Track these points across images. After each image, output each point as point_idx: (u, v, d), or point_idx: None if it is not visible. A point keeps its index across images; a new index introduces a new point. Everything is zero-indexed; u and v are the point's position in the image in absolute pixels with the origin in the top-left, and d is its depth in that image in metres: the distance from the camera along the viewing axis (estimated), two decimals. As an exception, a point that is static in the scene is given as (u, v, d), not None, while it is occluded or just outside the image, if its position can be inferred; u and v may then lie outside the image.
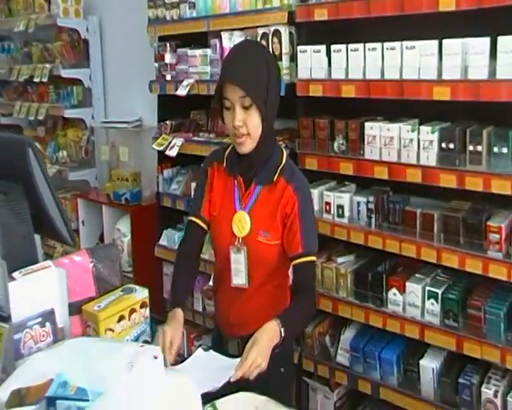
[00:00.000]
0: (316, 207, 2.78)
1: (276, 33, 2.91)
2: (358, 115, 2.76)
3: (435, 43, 2.35)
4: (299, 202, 1.98)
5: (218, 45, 3.25)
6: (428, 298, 2.51)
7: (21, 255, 1.65)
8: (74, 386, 1.25)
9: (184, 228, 2.26)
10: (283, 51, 2.90)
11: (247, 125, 1.92)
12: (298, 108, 2.91)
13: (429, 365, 2.55)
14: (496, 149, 2.26)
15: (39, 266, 1.58)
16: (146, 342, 1.73)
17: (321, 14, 2.70)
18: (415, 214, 2.54)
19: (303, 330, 2.85)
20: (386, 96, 2.51)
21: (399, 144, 2.51)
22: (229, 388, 1.64)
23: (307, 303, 2.03)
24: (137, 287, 1.79)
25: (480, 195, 2.34)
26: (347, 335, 2.87)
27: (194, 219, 2.16)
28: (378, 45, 2.51)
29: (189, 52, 3.47)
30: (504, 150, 2.24)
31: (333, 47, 2.67)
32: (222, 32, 3.19)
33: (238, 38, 3.10)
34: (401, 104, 2.55)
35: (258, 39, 2.96)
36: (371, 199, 2.69)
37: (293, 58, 2.89)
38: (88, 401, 1.22)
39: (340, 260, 2.87)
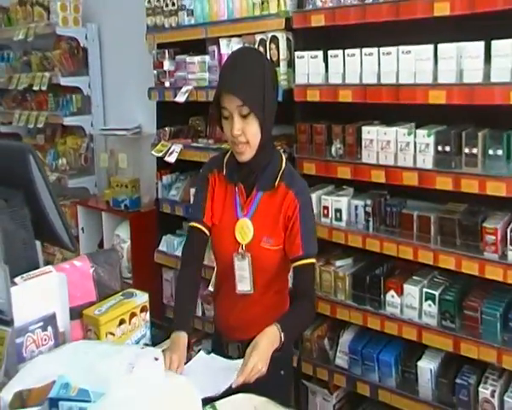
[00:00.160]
0: (314, 211, 2.81)
1: (274, 40, 2.93)
2: (355, 120, 2.79)
3: (430, 47, 2.37)
4: (299, 206, 2.00)
5: (216, 52, 3.27)
6: (426, 300, 2.53)
7: (23, 261, 1.66)
8: (76, 387, 1.27)
9: (186, 235, 2.21)
10: (281, 57, 2.92)
11: (245, 133, 1.93)
12: (295, 114, 2.92)
13: (427, 366, 2.56)
14: (491, 152, 2.28)
15: (40, 271, 1.60)
16: (146, 345, 1.75)
17: (318, 21, 2.73)
18: (411, 217, 2.56)
19: (302, 333, 2.87)
20: (383, 101, 2.53)
21: (396, 148, 2.53)
22: (229, 389, 1.67)
23: (307, 307, 2.04)
24: (137, 291, 1.80)
25: (476, 197, 2.35)
26: (346, 337, 2.88)
27: (196, 224, 2.11)
28: (374, 50, 2.53)
29: (188, 59, 3.49)
30: (499, 152, 2.26)
31: (330, 52, 2.69)
32: (220, 39, 3.22)
33: (236, 44, 3.12)
34: (397, 108, 2.56)
35: (256, 46, 2.98)
36: (369, 202, 2.71)
37: (291, 64, 2.91)
38: (90, 401, 1.24)
39: (338, 263, 2.89)
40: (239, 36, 3.14)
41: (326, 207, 2.82)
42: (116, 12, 4.60)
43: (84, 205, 4.60)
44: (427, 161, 2.43)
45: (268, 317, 1.95)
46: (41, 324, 1.53)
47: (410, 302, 2.57)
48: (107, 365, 1.33)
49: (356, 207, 2.74)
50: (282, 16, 2.89)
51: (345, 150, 2.73)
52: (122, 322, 1.69)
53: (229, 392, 1.64)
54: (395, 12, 2.45)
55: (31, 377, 1.32)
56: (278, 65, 2.92)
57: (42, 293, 1.55)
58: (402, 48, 2.44)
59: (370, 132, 2.61)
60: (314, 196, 2.83)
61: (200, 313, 3.63)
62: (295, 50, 2.86)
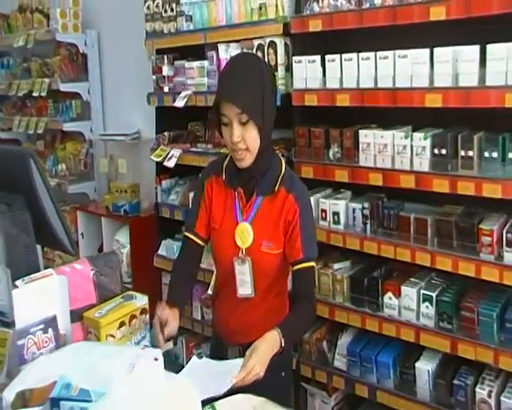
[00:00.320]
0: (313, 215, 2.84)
1: (272, 45, 2.96)
2: (353, 123, 2.81)
3: (427, 51, 2.39)
4: (299, 210, 2.01)
5: (214, 57, 3.30)
6: (423, 301, 2.54)
7: (24, 264, 1.67)
8: (77, 387, 1.28)
9: (181, 242, 2.28)
10: (279, 62, 2.94)
11: (245, 140, 1.94)
12: (293, 118, 2.95)
13: (425, 367, 2.58)
14: (486, 154, 2.30)
15: (41, 274, 1.61)
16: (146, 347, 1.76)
17: (315, 26, 2.75)
18: (409, 219, 2.57)
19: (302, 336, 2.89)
20: (380, 104, 2.55)
21: (393, 151, 2.55)
22: (229, 389, 1.68)
23: (307, 310, 2.06)
24: (137, 294, 1.82)
25: (472, 199, 2.37)
26: (344, 340, 2.89)
27: (189, 235, 2.18)
28: (371, 55, 2.55)
29: (187, 64, 3.51)
30: (495, 155, 2.28)
31: (327, 57, 2.72)
32: (218, 44, 3.24)
33: (234, 49, 3.15)
34: (394, 112, 2.59)
35: (254, 51, 3.01)
36: (366, 205, 2.72)
37: (289, 68, 2.94)
38: (91, 401, 1.25)
39: (336, 266, 2.90)
40: (237, 41, 3.17)
41: (324, 211, 2.84)
42: (115, 18, 4.63)
43: (84, 210, 4.61)
44: (423, 163, 2.45)
45: (268, 320, 1.97)
46: (42, 326, 1.54)
47: (408, 304, 2.59)
48: (107, 365, 1.34)
49: (353, 210, 2.76)
50: (280, 21, 2.91)
51: (342, 154, 2.75)
52: (122, 324, 1.71)
53: (229, 392, 1.66)
54: (392, 17, 2.47)
55: (32, 378, 1.33)
56: (276, 70, 2.94)
57: (43, 296, 1.56)
58: (398, 52, 2.46)
59: (368, 136, 2.63)
60: (312, 200, 2.83)
61: (199, 317, 3.64)
62: (293, 55, 2.88)
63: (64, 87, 4.74)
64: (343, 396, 3.04)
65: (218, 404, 1.58)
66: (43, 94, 4.83)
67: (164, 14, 3.62)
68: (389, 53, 2.49)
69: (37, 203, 1.72)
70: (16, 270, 1.54)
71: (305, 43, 2.89)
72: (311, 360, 2.99)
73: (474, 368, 2.51)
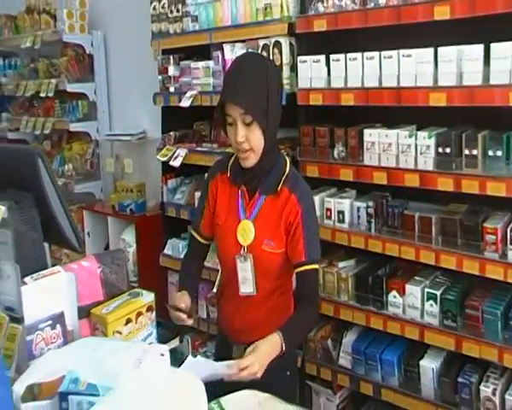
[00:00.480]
0: (317, 214, 2.84)
1: (277, 44, 2.97)
2: (357, 123, 2.82)
3: (431, 50, 2.40)
4: (302, 211, 2.01)
5: (220, 57, 3.31)
6: (427, 299, 2.55)
7: (32, 261, 1.69)
8: (85, 382, 1.29)
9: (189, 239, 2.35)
10: (284, 62, 2.95)
11: (249, 140, 1.95)
12: (298, 117, 2.96)
13: (429, 365, 2.58)
14: (491, 153, 2.31)
15: (49, 271, 1.62)
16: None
17: (320, 25, 2.76)
18: (413, 218, 2.58)
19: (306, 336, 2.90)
20: (384, 104, 2.57)
21: (397, 150, 2.56)
22: (234, 386, 1.70)
23: (310, 313, 2.07)
24: (144, 291, 1.82)
25: (477, 197, 2.38)
26: (349, 338, 2.91)
27: (194, 233, 2.27)
28: (376, 54, 2.56)
29: (192, 64, 3.53)
30: (499, 153, 2.29)
31: (332, 57, 2.73)
32: (224, 45, 3.26)
33: (240, 49, 3.16)
34: (399, 111, 2.61)
35: (260, 50, 3.02)
36: (371, 204, 2.73)
37: (294, 68, 2.95)
38: (98, 395, 1.26)
39: (341, 264, 2.92)
40: (243, 41, 3.18)
41: (329, 209, 2.85)
42: (121, 19, 4.66)
43: (91, 210, 4.64)
44: (428, 162, 2.46)
45: (272, 319, 1.98)
46: (50, 322, 1.55)
47: (413, 302, 2.60)
48: (115, 360, 1.36)
49: (358, 208, 2.77)
50: (285, 21, 2.92)
51: (347, 153, 2.76)
52: (129, 321, 1.71)
53: (234, 388, 1.68)
54: (396, 16, 2.48)
55: (41, 372, 1.34)
56: (281, 69, 2.94)
57: (51, 292, 1.57)
58: (403, 51, 2.48)
59: (372, 135, 2.64)
60: (317, 199, 2.86)
61: (204, 315, 3.66)
62: (298, 55, 2.90)
63: (71, 88, 4.78)
64: (348, 394, 3.05)
65: (223, 400, 1.59)
66: (50, 94, 4.87)
67: (170, 15, 3.64)
68: (393, 52, 2.51)
69: (44, 201, 1.73)
70: (25, 267, 1.55)
71: (310, 42, 2.90)
72: (316, 358, 3.00)
73: (478, 366, 2.52)
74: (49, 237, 1.84)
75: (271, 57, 2.96)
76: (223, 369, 1.80)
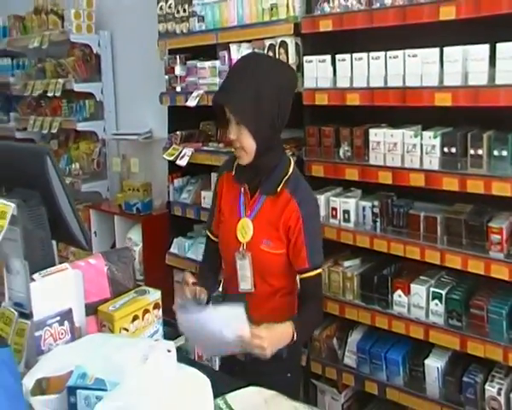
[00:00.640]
0: (322, 213, 2.85)
1: (283, 44, 2.98)
2: (363, 122, 2.82)
3: (436, 50, 2.41)
4: (303, 218, 2.01)
5: (226, 57, 3.32)
6: (433, 299, 2.56)
7: (40, 258, 1.71)
8: (93, 377, 1.31)
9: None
10: (290, 62, 2.95)
11: (239, 140, 1.98)
12: (304, 117, 2.97)
13: (434, 364, 2.59)
14: (496, 153, 2.31)
15: (57, 268, 1.64)
16: (159, 341, 1.80)
17: (326, 26, 2.77)
18: (418, 218, 2.59)
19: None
20: (390, 104, 2.57)
21: (403, 150, 2.56)
22: (239, 384, 1.71)
23: (315, 310, 2.10)
24: (150, 289, 1.84)
25: (482, 197, 2.38)
26: (354, 337, 2.92)
27: (208, 233, 2.33)
28: (381, 54, 2.57)
29: (199, 64, 3.54)
30: (504, 153, 2.29)
31: (337, 57, 2.74)
32: (230, 44, 3.27)
33: (246, 49, 3.17)
34: (404, 111, 2.61)
35: (266, 50, 3.03)
36: (376, 204, 2.74)
37: (300, 68, 2.95)
38: (105, 390, 1.28)
39: (346, 263, 2.93)
40: (249, 41, 3.19)
41: (334, 209, 2.86)
42: (128, 19, 4.68)
43: (97, 209, 4.66)
44: (433, 162, 2.47)
45: (275, 320, 1.98)
46: (58, 318, 1.57)
47: (418, 302, 2.60)
48: (122, 356, 1.37)
49: (364, 208, 2.78)
50: (291, 21, 2.93)
51: (353, 152, 2.77)
52: (135, 318, 1.73)
53: (240, 386, 1.69)
54: (402, 16, 2.49)
55: (50, 367, 1.37)
56: (287, 69, 2.96)
57: (59, 289, 1.59)
58: (408, 51, 2.48)
59: (378, 135, 2.65)
60: (322, 198, 2.88)
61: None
62: (304, 55, 2.91)
63: (78, 87, 4.80)
64: (353, 393, 3.06)
65: (229, 396, 1.61)
66: (58, 94, 4.89)
67: (176, 15, 3.65)
68: (399, 52, 2.51)
69: (52, 199, 1.75)
70: (33, 264, 1.58)
71: (315, 42, 2.91)
72: (321, 357, 3.02)
73: (483, 366, 2.52)
74: (57, 235, 1.85)
75: (278, 57, 2.96)
76: (235, 330, 1.81)
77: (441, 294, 2.54)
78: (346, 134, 2.79)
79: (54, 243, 1.86)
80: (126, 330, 1.70)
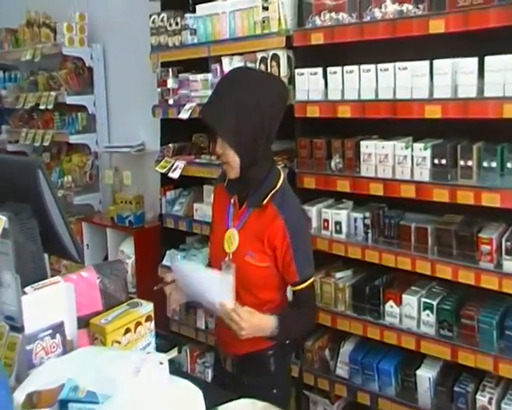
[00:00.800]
0: (314, 225, 2.88)
1: (275, 57, 3.00)
2: (354, 134, 2.84)
3: (426, 63, 2.43)
4: (290, 236, 2.02)
5: (218, 70, 3.34)
6: (424, 309, 2.57)
7: (32, 271, 1.70)
8: (84, 390, 1.31)
9: None
10: (282, 74, 2.97)
11: (224, 155, 2.01)
12: (296, 129, 2.98)
13: (426, 374, 2.60)
14: (485, 164, 2.34)
15: (49, 281, 1.63)
16: (151, 353, 1.79)
17: (317, 39, 2.79)
18: (409, 229, 2.60)
19: (298, 342, 2.91)
20: (381, 116, 2.59)
21: (394, 161, 2.58)
22: (232, 396, 1.72)
23: (306, 314, 2.12)
24: (143, 301, 1.84)
25: (472, 208, 2.40)
26: (346, 348, 2.92)
27: (209, 242, 2.35)
28: (372, 67, 2.59)
29: (191, 77, 3.56)
30: (493, 165, 2.31)
31: (329, 69, 2.76)
32: (222, 57, 3.29)
33: (238, 62, 3.19)
34: (395, 123, 2.62)
35: (258, 63, 3.05)
36: (367, 215, 2.75)
37: (291, 81, 2.97)
38: (97, 403, 1.28)
39: (338, 275, 2.93)
40: (241, 54, 3.20)
41: (326, 220, 2.87)
42: (121, 32, 4.69)
43: (89, 222, 4.65)
44: (423, 173, 2.49)
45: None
46: (50, 331, 1.56)
47: (409, 312, 2.61)
48: (114, 369, 1.37)
49: (355, 219, 2.79)
50: (283, 35, 2.95)
51: (344, 164, 2.78)
52: (128, 331, 1.73)
53: (232, 398, 1.69)
54: (392, 30, 2.51)
55: (41, 381, 1.36)
56: (278, 82, 2.97)
57: (50, 302, 1.59)
58: (399, 64, 2.50)
59: (369, 146, 2.67)
60: (314, 210, 2.89)
61: (203, 326, 3.67)
62: (295, 68, 2.92)
63: (70, 100, 4.80)
64: (345, 404, 3.05)
65: (221, 408, 1.61)
66: (50, 107, 4.88)
67: (169, 28, 3.67)
68: (389, 65, 2.53)
69: (44, 212, 1.75)
70: (25, 277, 1.57)
71: (307, 55, 2.93)
72: (313, 369, 3.02)
73: (474, 375, 2.53)
74: (49, 248, 1.85)
75: (269, 70, 2.99)
76: (218, 297, 1.92)
77: (432, 304, 2.55)
78: (338, 146, 2.80)
79: (46, 256, 1.86)
80: (118, 342, 1.70)
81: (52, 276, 1.71)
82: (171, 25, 3.66)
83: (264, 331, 1.98)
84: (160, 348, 1.85)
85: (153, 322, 1.82)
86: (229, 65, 3.24)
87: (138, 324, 1.77)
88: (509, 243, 2.31)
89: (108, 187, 4.79)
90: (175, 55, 3.66)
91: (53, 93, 4.87)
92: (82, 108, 4.94)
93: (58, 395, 1.30)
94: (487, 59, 2.26)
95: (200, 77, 3.49)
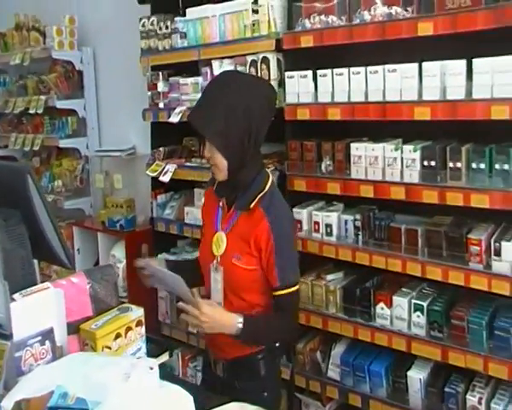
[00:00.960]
0: (305, 227, 2.89)
1: (265, 60, 3.00)
2: (344, 137, 2.84)
3: (415, 66, 2.44)
4: (274, 238, 2.02)
5: (208, 73, 3.34)
6: (414, 311, 2.58)
7: (21, 278, 1.70)
8: (74, 396, 1.30)
9: None
10: (272, 77, 2.98)
11: (212, 158, 2.02)
12: (286, 132, 2.98)
13: (416, 376, 2.60)
14: (474, 165, 2.35)
15: (38, 287, 1.63)
16: (141, 358, 1.79)
17: (307, 41, 2.79)
18: (399, 230, 2.61)
19: (288, 345, 2.93)
20: (371, 118, 2.60)
21: (384, 163, 2.59)
22: (222, 400, 1.72)
23: (278, 322, 2.09)
24: (133, 306, 1.84)
25: (461, 209, 2.41)
26: (337, 350, 2.92)
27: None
28: (361, 69, 2.60)
29: (181, 80, 3.56)
30: (482, 166, 2.32)
31: (319, 72, 2.77)
32: (212, 61, 3.29)
33: (228, 65, 3.19)
34: (384, 125, 2.64)
35: (248, 66, 3.06)
36: (358, 217, 2.76)
37: (281, 83, 2.98)
38: (87, 410, 1.29)
39: (329, 277, 2.93)
40: (231, 57, 3.21)
41: (317, 223, 2.87)
42: (111, 36, 4.68)
43: (80, 226, 4.62)
44: (413, 175, 2.50)
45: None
46: (39, 338, 1.56)
47: (400, 314, 2.62)
48: (103, 375, 1.36)
49: (346, 221, 2.80)
50: (273, 38, 2.95)
51: (334, 166, 2.79)
52: (118, 336, 1.72)
53: (222, 402, 1.70)
54: (381, 32, 2.52)
55: (30, 388, 1.35)
56: (268, 85, 2.98)
57: (40, 308, 1.59)
58: (388, 66, 2.51)
59: (359, 149, 2.67)
60: (305, 212, 2.90)
61: (194, 330, 3.66)
62: (285, 70, 2.93)
63: (60, 104, 4.77)
64: (337, 406, 3.05)
65: (212, 412, 1.61)
66: (40, 111, 4.84)
67: (159, 32, 3.66)
68: (379, 68, 2.54)
69: (34, 218, 1.74)
70: (13, 283, 1.56)
71: (297, 58, 2.93)
72: (304, 371, 3.02)
73: (464, 376, 2.55)
74: (39, 254, 1.85)
75: (259, 73, 2.99)
76: (182, 289, 1.96)
77: (423, 305, 2.56)
78: (328, 148, 2.81)
79: (35, 261, 1.85)
80: (109, 348, 1.70)
81: (42, 282, 1.70)
82: (161, 28, 3.65)
83: (227, 328, 1.96)
84: (151, 353, 1.85)
85: (143, 327, 1.82)
86: (219, 68, 3.24)
87: (129, 329, 1.76)
88: (497, 244, 2.32)
89: (99, 191, 4.77)
90: (165, 58, 3.65)
91: (43, 97, 4.84)
92: (72, 112, 4.92)
93: (47, 403, 1.30)
94: (475, 61, 2.27)
95: (190, 80, 3.49)
